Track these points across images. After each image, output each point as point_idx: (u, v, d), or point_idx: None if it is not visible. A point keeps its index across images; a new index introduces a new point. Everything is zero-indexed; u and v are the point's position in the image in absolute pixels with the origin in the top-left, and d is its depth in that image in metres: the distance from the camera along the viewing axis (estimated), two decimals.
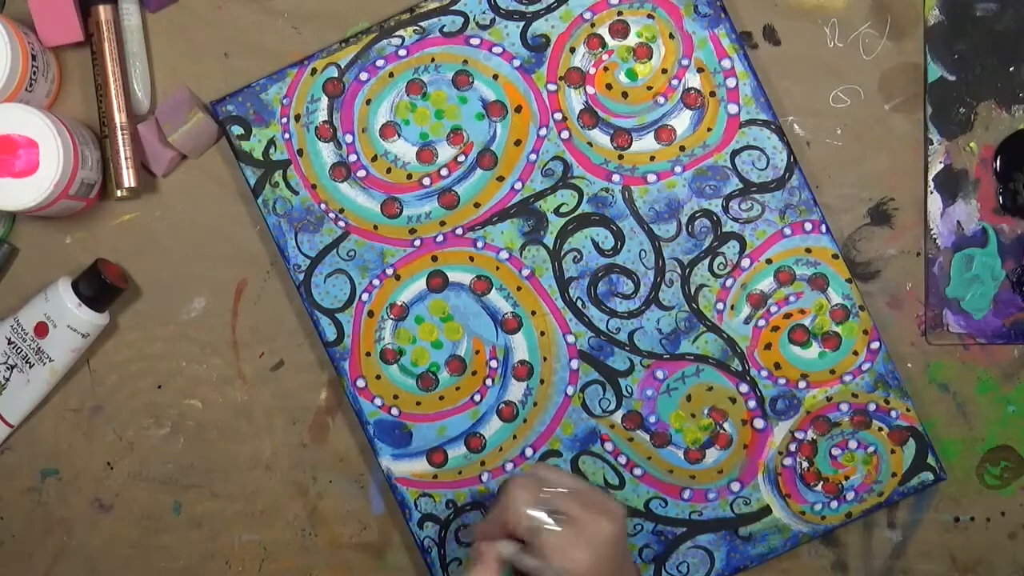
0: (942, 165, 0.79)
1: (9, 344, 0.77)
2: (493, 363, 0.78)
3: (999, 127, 0.78)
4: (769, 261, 0.77)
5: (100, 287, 0.76)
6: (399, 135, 0.78)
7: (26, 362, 0.77)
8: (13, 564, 0.80)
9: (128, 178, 0.78)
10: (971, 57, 0.78)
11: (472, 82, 0.78)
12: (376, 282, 0.78)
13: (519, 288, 0.78)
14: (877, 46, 0.79)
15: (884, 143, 0.79)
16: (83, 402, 0.80)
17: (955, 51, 0.78)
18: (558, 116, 0.78)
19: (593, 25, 0.78)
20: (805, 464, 0.78)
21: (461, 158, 0.78)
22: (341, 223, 0.78)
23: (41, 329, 0.76)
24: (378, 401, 0.77)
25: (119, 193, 0.78)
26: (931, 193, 0.79)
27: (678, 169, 0.78)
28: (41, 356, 0.77)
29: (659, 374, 0.78)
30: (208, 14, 0.80)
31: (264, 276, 0.80)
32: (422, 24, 0.77)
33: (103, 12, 0.77)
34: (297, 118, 0.78)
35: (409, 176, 0.78)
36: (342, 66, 0.77)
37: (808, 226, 0.77)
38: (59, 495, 0.80)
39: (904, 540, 0.80)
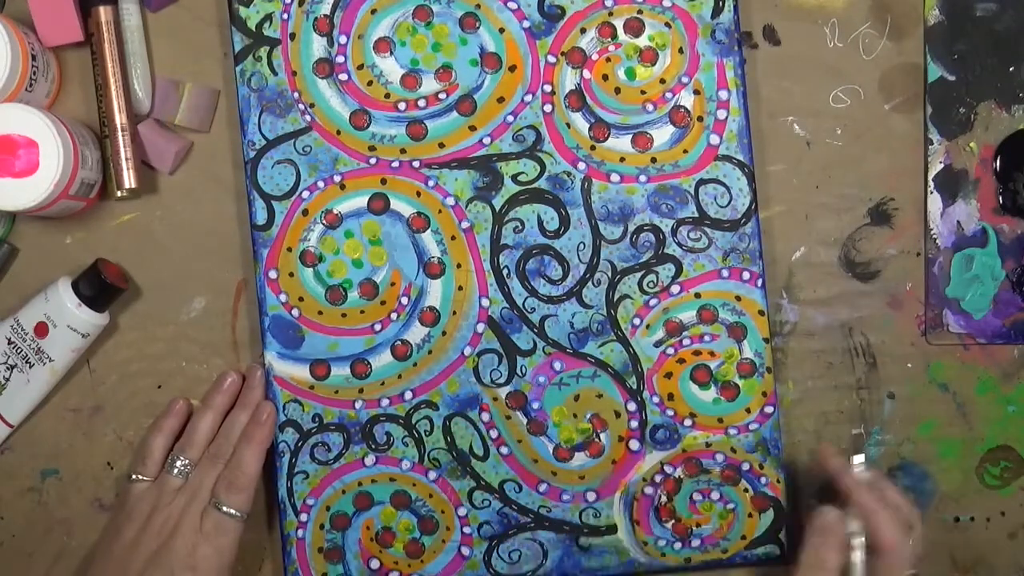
0: (942, 165, 0.79)
1: (9, 344, 0.77)
2: (404, 299, 0.78)
3: (999, 127, 0.79)
4: (698, 295, 0.77)
5: (100, 287, 0.76)
6: (391, 53, 0.78)
7: (26, 362, 0.77)
8: (13, 564, 0.80)
9: (128, 178, 0.78)
10: (971, 57, 0.79)
11: (478, 27, 0.78)
12: (321, 184, 0.77)
13: (453, 237, 0.78)
14: (877, 46, 0.80)
15: (884, 143, 0.80)
16: (83, 402, 0.80)
17: (955, 51, 0.79)
18: (547, 88, 0.78)
19: (611, 14, 0.78)
20: (664, 498, 0.78)
21: (442, 96, 0.78)
22: (308, 117, 0.78)
23: (41, 329, 0.76)
24: (283, 297, 0.77)
25: (119, 193, 0.78)
26: (931, 193, 0.79)
27: (643, 178, 0.77)
28: (41, 356, 0.77)
29: (557, 365, 0.78)
30: (208, 14, 0.80)
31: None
32: None
33: (103, 13, 0.77)
34: (301, 3, 0.77)
35: (387, 95, 0.78)
36: None
37: (746, 275, 0.77)
38: (59, 495, 0.80)
39: None
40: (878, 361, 0.80)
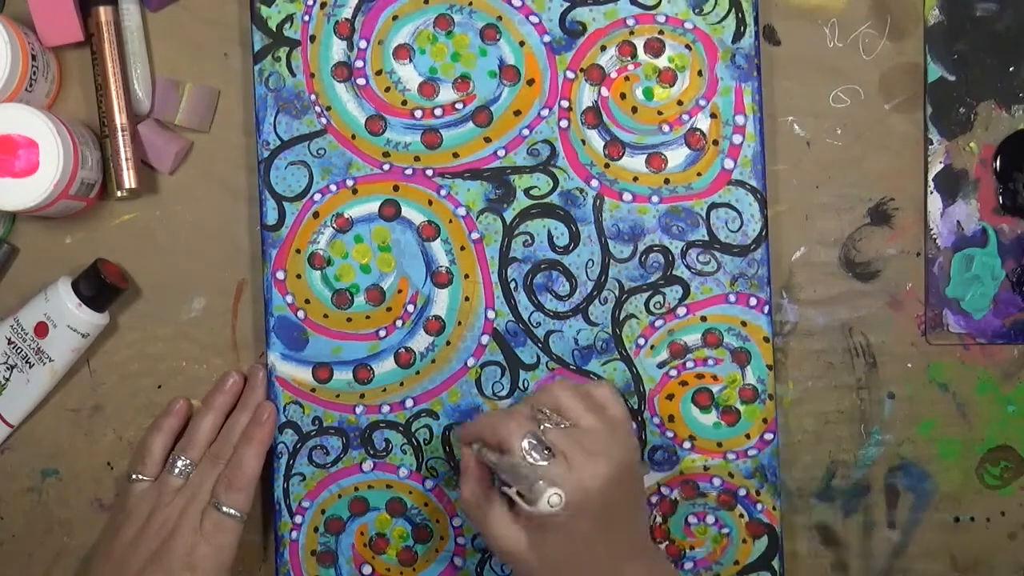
0: (942, 165, 0.79)
1: (9, 344, 0.77)
2: (410, 307, 0.78)
3: (999, 127, 0.79)
4: (704, 319, 0.77)
5: (100, 287, 0.76)
6: (411, 60, 0.78)
7: (26, 362, 0.77)
8: (13, 564, 0.80)
9: (128, 178, 0.78)
10: (971, 57, 0.79)
11: (498, 39, 0.78)
12: (333, 187, 0.77)
13: (463, 248, 0.78)
14: (877, 46, 0.80)
15: (884, 143, 0.80)
16: (83, 402, 0.80)
17: (955, 51, 0.79)
18: (565, 104, 0.78)
19: (632, 33, 0.78)
20: (659, 519, 0.78)
21: (459, 106, 0.78)
22: (324, 120, 0.77)
23: (41, 329, 0.76)
24: (289, 298, 0.77)
25: (119, 193, 0.78)
26: (931, 193, 0.79)
27: (655, 199, 0.78)
28: (41, 356, 0.77)
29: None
30: (208, 14, 0.80)
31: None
32: None
33: (103, 13, 0.77)
34: (323, 5, 0.77)
35: (404, 102, 0.78)
36: None
37: (753, 301, 0.77)
38: (59, 495, 0.80)
39: (904, 540, 0.80)
40: (878, 361, 0.80)
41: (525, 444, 0.66)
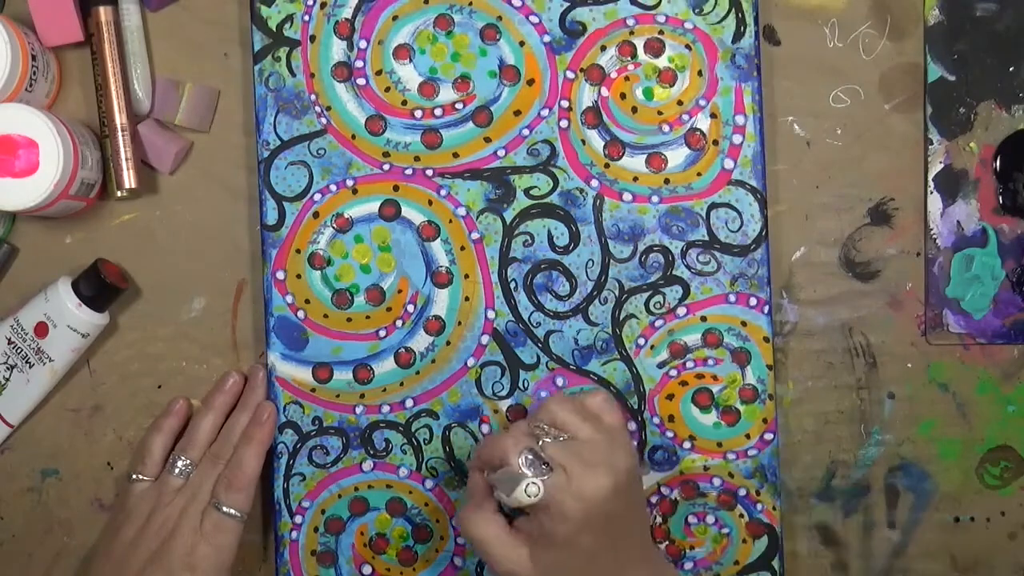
0: (942, 165, 0.79)
1: (9, 344, 0.77)
2: (410, 307, 0.78)
3: (999, 127, 0.79)
4: (704, 319, 0.77)
5: (100, 287, 0.76)
6: (411, 60, 0.78)
7: (26, 362, 0.77)
8: (13, 564, 0.80)
9: (128, 178, 0.78)
10: (971, 57, 0.79)
11: (498, 39, 0.78)
12: (333, 187, 0.77)
13: (463, 248, 0.78)
14: (877, 46, 0.80)
15: (884, 143, 0.80)
16: (83, 402, 0.80)
17: (955, 51, 0.79)
18: (564, 104, 0.78)
19: (632, 33, 0.78)
20: (659, 519, 0.78)
21: (459, 106, 0.78)
22: (324, 120, 0.78)
23: (41, 329, 0.76)
24: (289, 298, 0.77)
25: (119, 193, 0.78)
26: (931, 193, 0.79)
27: (655, 199, 0.78)
28: (41, 356, 0.77)
29: (559, 381, 0.78)
30: (208, 14, 0.80)
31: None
32: None
33: (103, 13, 0.77)
34: (323, 5, 0.77)
35: (404, 103, 0.78)
36: None
37: (753, 301, 0.77)
38: (59, 495, 0.80)
39: (904, 540, 0.80)
40: (878, 361, 0.80)
41: (522, 460, 0.66)
